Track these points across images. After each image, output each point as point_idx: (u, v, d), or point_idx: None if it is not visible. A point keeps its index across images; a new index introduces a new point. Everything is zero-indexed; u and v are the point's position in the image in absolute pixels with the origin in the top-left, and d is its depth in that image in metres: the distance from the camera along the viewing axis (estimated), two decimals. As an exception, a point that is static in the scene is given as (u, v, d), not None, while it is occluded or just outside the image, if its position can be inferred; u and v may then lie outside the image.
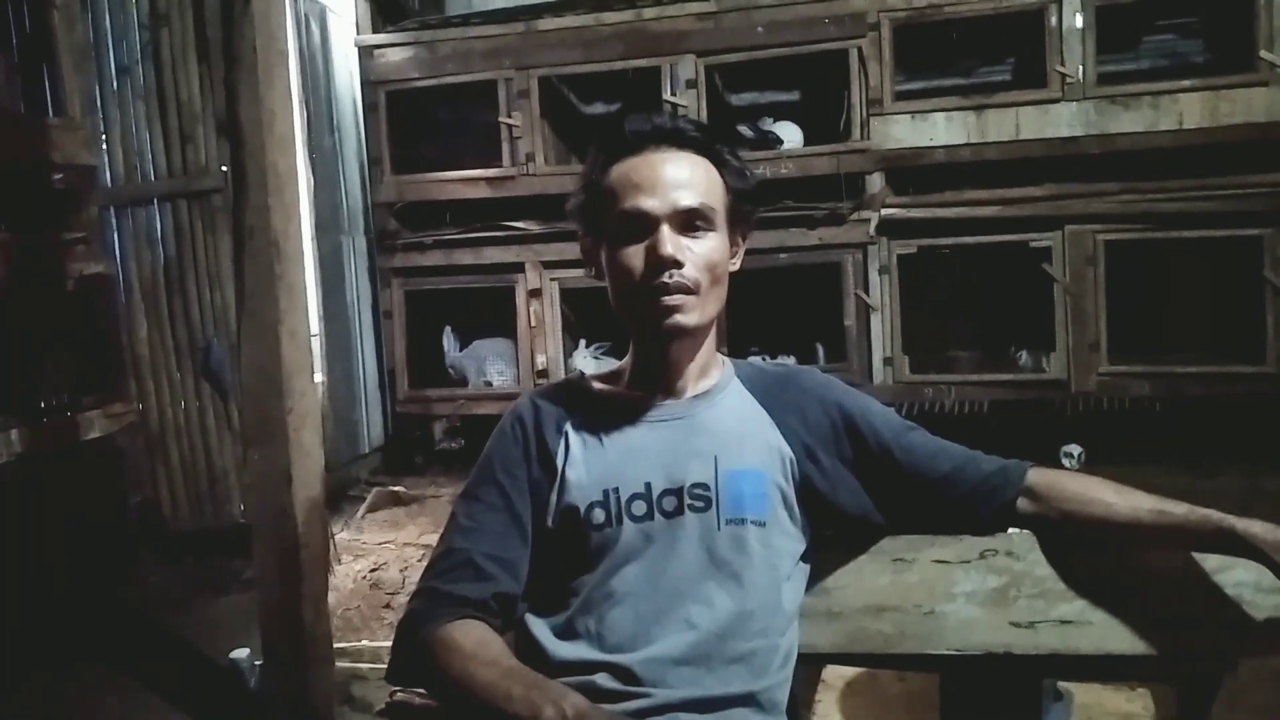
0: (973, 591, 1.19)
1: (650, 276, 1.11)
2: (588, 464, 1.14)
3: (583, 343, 4.42)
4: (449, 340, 4.57)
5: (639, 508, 1.11)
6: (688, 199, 1.11)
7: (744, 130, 4.20)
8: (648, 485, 1.12)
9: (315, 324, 3.81)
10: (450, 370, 4.56)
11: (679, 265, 1.10)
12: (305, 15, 4.15)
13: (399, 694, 1.16)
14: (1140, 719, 1.89)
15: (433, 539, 3.35)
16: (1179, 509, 1.08)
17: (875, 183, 4.00)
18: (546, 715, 0.94)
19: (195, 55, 3.45)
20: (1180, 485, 1.16)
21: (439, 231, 4.41)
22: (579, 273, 4.08)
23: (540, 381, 4.25)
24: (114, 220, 3.50)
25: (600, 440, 1.16)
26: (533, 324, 4.33)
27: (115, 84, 3.50)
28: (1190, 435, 3.79)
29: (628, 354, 1.22)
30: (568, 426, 1.17)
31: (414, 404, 4.55)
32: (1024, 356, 4.07)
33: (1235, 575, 1.11)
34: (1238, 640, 1.12)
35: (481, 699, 1.00)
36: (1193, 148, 3.69)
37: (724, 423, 1.17)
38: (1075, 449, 3.82)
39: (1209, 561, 1.12)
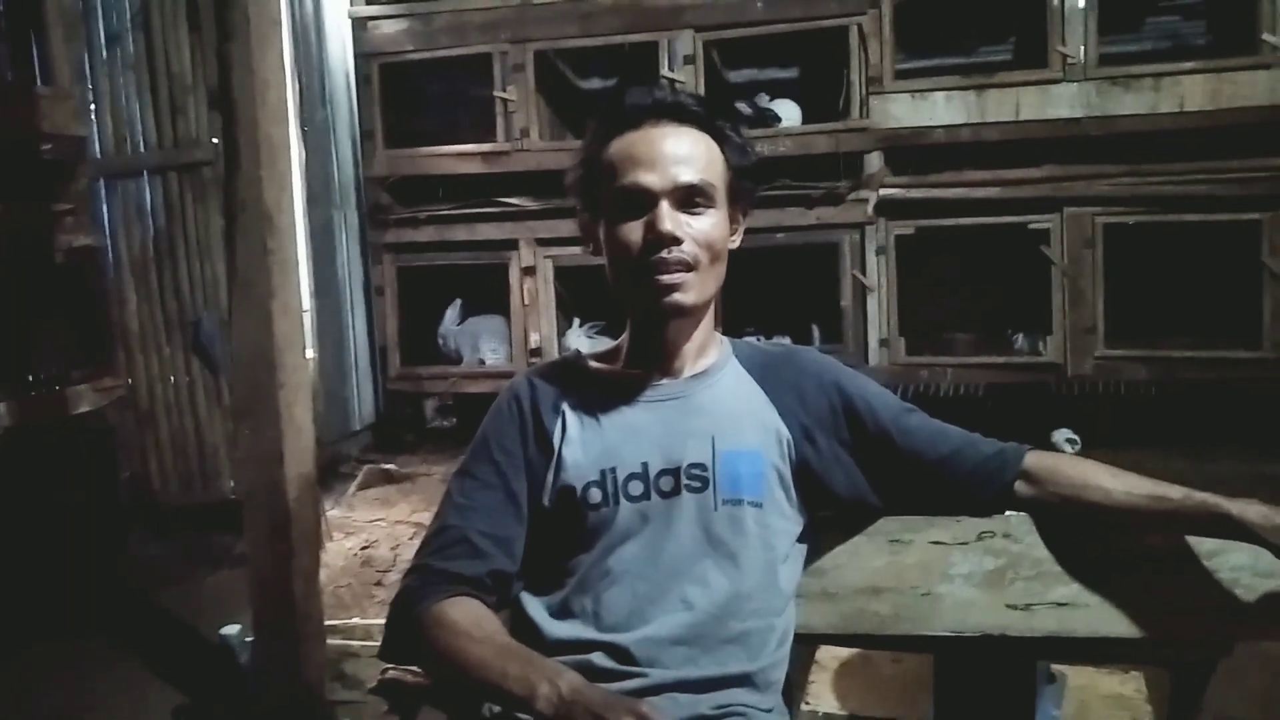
0: (970, 573, 1.18)
1: (648, 253, 1.09)
2: (585, 444, 1.13)
3: (576, 321, 4.40)
4: (453, 312, 4.52)
5: (636, 487, 1.10)
6: (687, 175, 1.10)
7: (742, 107, 4.16)
8: (645, 465, 1.11)
9: (306, 300, 3.78)
10: (441, 340, 4.52)
11: (678, 242, 1.09)
12: (298, -15, 4.10)
13: (391, 671, 1.15)
14: (1133, 702, 1.90)
15: (424, 517, 3.36)
16: (1175, 493, 1.07)
17: (874, 162, 3.97)
18: (542, 693, 0.93)
19: (186, 25, 3.41)
20: (1176, 470, 1.16)
21: (432, 207, 4.37)
22: (574, 250, 4.05)
23: (534, 360, 4.23)
24: (103, 192, 3.46)
25: (597, 420, 1.15)
26: (526, 302, 4.30)
27: (105, 53, 3.45)
28: (1186, 420, 3.79)
29: (624, 332, 1.21)
30: (565, 406, 1.16)
31: (406, 381, 4.53)
32: (1020, 339, 4.06)
33: (1231, 559, 1.11)
34: (1233, 623, 1.12)
35: (476, 676, 0.99)
36: (1194, 130, 3.66)
37: (721, 403, 1.16)
38: (1073, 436, 3.81)
39: (1205, 545, 1.11)
